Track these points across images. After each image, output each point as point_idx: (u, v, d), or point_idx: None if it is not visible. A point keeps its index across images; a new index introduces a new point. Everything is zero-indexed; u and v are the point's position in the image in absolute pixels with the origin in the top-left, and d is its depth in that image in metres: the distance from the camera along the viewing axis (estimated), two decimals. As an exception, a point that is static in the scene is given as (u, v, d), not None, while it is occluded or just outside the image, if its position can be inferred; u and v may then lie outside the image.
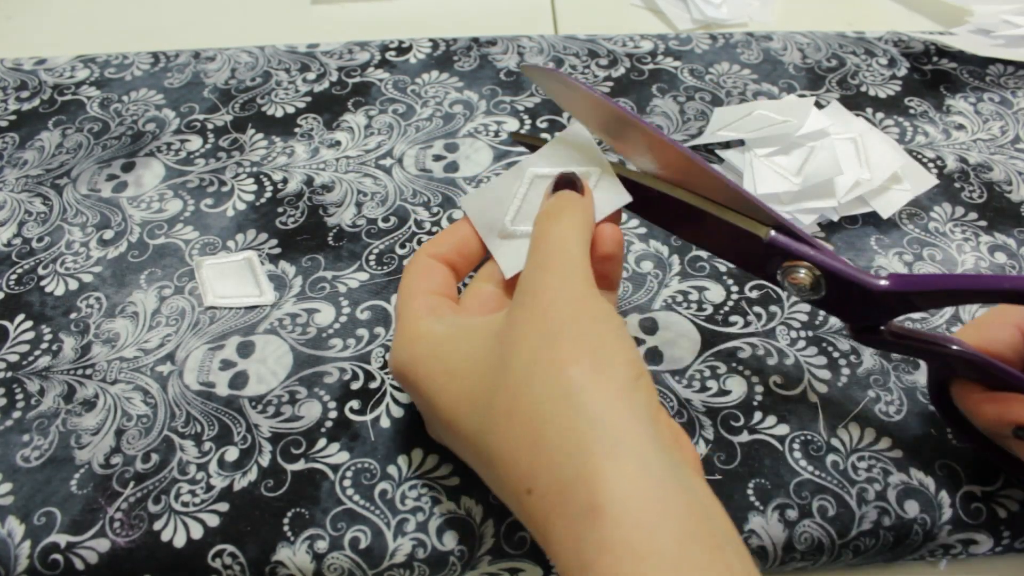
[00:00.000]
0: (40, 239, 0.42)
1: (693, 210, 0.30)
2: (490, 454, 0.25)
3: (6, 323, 0.38)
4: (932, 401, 0.31)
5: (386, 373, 0.36)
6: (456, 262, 0.31)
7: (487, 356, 0.26)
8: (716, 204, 0.30)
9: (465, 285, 0.34)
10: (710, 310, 0.38)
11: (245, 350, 0.37)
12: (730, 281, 0.39)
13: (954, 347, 0.28)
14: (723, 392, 0.35)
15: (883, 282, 0.28)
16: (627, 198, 0.31)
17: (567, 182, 0.30)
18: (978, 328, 0.30)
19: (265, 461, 0.33)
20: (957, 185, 0.43)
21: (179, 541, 0.31)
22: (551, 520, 0.23)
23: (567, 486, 0.22)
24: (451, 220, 0.42)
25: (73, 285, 0.39)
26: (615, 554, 0.21)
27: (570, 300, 0.26)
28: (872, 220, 0.41)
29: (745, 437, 0.33)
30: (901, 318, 0.29)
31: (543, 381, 0.24)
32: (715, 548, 0.22)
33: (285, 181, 0.44)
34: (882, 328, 0.29)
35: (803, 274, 0.29)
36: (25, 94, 0.50)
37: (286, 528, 0.31)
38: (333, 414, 0.34)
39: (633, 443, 0.23)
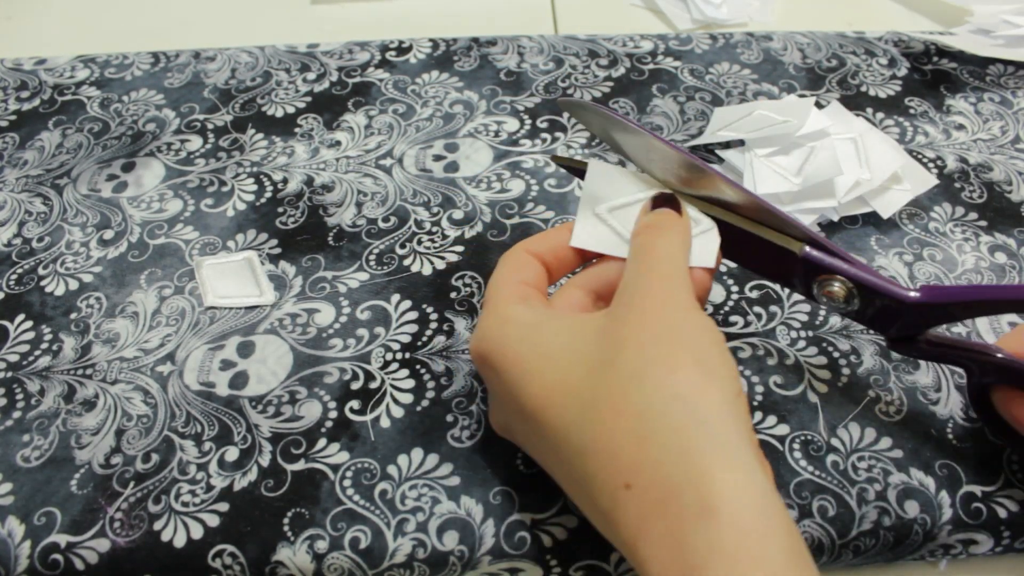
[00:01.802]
0: (40, 239, 0.42)
1: (731, 228, 0.31)
2: (585, 446, 0.25)
3: (6, 323, 0.38)
4: (972, 405, 0.32)
5: (386, 373, 0.36)
6: (551, 263, 0.31)
7: (589, 351, 0.26)
8: (749, 221, 0.31)
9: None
10: (710, 310, 0.38)
11: (245, 350, 0.37)
12: (730, 281, 0.39)
13: (998, 355, 0.29)
14: (723, 392, 0.35)
15: (914, 294, 0.28)
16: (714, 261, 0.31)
17: (668, 201, 0.31)
18: (1019, 336, 0.31)
19: (265, 461, 0.33)
20: (957, 185, 0.43)
21: (179, 541, 0.31)
22: (650, 520, 0.22)
23: (675, 485, 0.22)
24: (451, 220, 0.42)
25: (73, 285, 0.39)
26: (728, 557, 0.21)
27: (677, 308, 0.26)
28: (872, 220, 0.41)
29: (745, 437, 0.33)
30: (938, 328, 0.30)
31: (654, 380, 0.24)
32: (811, 569, 0.22)
33: (285, 181, 0.44)
34: (919, 337, 0.30)
35: (837, 287, 0.29)
36: (25, 94, 0.50)
37: (286, 528, 0.31)
38: (333, 414, 0.34)
39: (741, 452, 0.23)
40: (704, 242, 0.31)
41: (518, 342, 0.27)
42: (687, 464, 0.22)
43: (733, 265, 0.39)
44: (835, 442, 0.33)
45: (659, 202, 0.31)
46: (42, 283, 0.40)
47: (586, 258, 0.32)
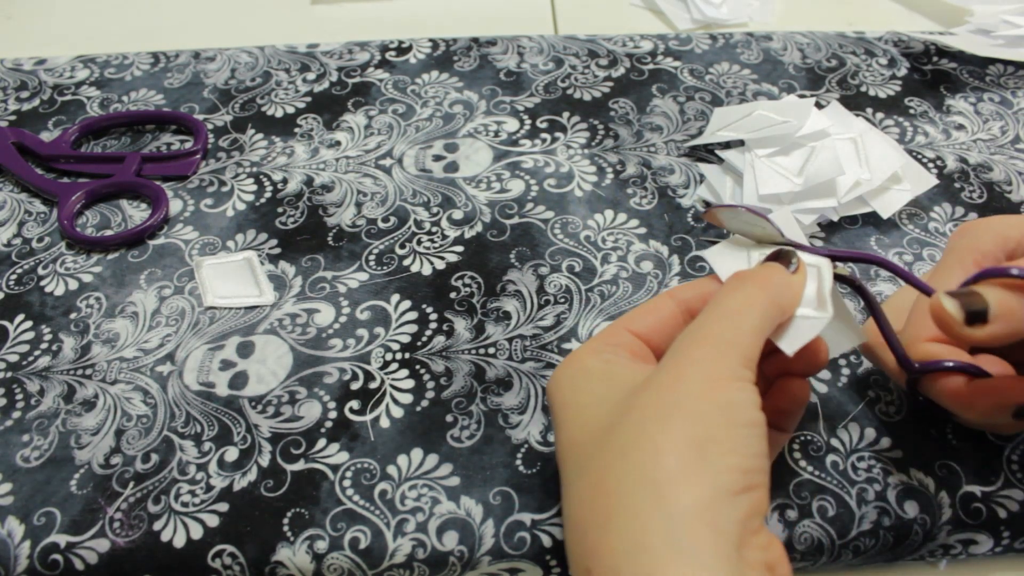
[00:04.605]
0: (40, 239, 0.42)
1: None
2: (568, 515, 0.23)
3: (6, 323, 0.38)
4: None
5: (386, 373, 0.36)
6: (697, 308, 0.28)
7: (610, 408, 0.24)
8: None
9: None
10: (710, 310, 0.38)
11: (245, 350, 0.37)
12: (730, 281, 0.39)
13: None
14: (723, 392, 0.35)
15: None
16: (860, 339, 0.29)
17: (784, 257, 0.27)
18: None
19: (265, 461, 0.33)
20: (957, 185, 0.43)
21: (179, 541, 0.31)
22: None
23: None
24: (451, 220, 0.42)
25: (73, 285, 0.39)
26: None
27: (707, 378, 0.23)
28: (872, 220, 0.41)
29: (745, 437, 0.33)
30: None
31: (636, 459, 0.22)
32: None
33: (285, 181, 0.44)
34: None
35: None
36: (25, 94, 0.50)
37: (286, 528, 0.31)
38: (333, 414, 0.34)
39: (706, 561, 0.20)
40: (805, 326, 0.26)
41: (570, 387, 0.26)
42: (639, 561, 0.20)
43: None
44: (835, 442, 0.33)
45: (775, 255, 0.27)
46: (42, 283, 0.40)
47: None
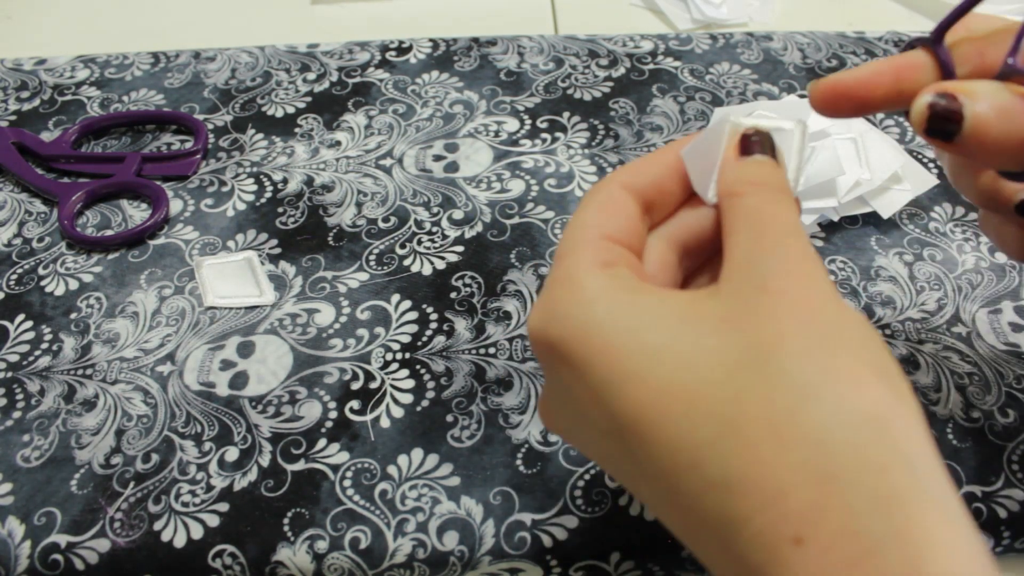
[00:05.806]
0: (40, 239, 0.42)
1: None
2: (730, 478, 0.18)
3: (6, 323, 0.38)
4: None
5: (386, 373, 0.36)
6: (653, 200, 0.24)
7: (715, 347, 0.19)
8: None
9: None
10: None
11: (245, 350, 0.37)
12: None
13: None
14: (723, 392, 0.35)
15: None
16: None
17: (763, 144, 0.24)
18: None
19: (265, 461, 0.33)
20: (957, 185, 0.43)
21: (179, 541, 0.31)
22: None
23: (874, 541, 0.17)
24: (451, 220, 0.42)
25: (73, 285, 0.39)
26: None
27: (829, 300, 0.20)
28: (872, 220, 0.41)
29: (745, 437, 0.33)
30: None
31: (835, 398, 0.18)
32: None
33: (285, 181, 0.44)
34: None
35: None
36: (25, 94, 0.50)
37: (286, 528, 0.31)
38: (333, 414, 0.34)
39: (953, 502, 0.18)
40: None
41: (610, 329, 0.20)
42: (891, 514, 0.17)
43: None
44: (835, 442, 0.33)
45: (754, 144, 0.24)
46: (42, 283, 0.40)
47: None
